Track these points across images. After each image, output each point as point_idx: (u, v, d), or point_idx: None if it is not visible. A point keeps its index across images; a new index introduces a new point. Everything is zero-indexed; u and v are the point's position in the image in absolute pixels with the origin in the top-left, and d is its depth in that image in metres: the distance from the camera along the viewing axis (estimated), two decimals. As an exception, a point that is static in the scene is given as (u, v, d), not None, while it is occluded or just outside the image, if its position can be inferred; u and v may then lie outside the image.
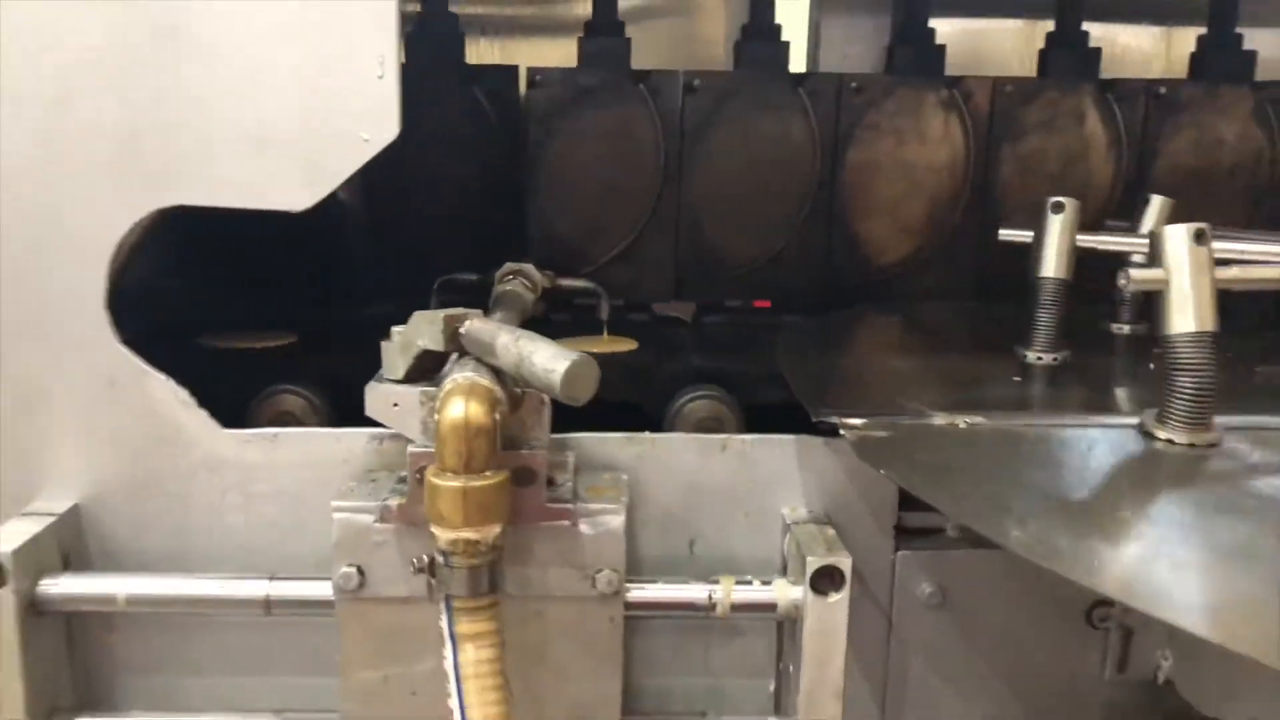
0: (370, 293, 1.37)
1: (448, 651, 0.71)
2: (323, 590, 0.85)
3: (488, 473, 0.71)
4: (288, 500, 0.90)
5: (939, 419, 0.83)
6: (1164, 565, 0.63)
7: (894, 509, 0.92)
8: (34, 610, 0.84)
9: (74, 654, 0.90)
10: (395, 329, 0.83)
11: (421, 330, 0.80)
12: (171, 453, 0.89)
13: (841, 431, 0.81)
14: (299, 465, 0.90)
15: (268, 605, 0.85)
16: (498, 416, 0.72)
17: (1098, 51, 1.43)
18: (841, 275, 1.37)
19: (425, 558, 0.73)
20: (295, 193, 0.85)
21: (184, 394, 0.89)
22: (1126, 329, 1.25)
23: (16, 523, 0.86)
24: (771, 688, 0.94)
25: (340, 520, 0.81)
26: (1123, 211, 1.30)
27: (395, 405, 0.81)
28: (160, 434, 0.89)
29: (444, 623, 0.72)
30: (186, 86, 0.84)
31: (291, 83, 0.84)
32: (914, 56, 1.38)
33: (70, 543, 0.88)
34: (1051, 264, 1.06)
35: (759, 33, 1.37)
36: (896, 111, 1.33)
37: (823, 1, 1.59)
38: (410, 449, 0.79)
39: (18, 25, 0.82)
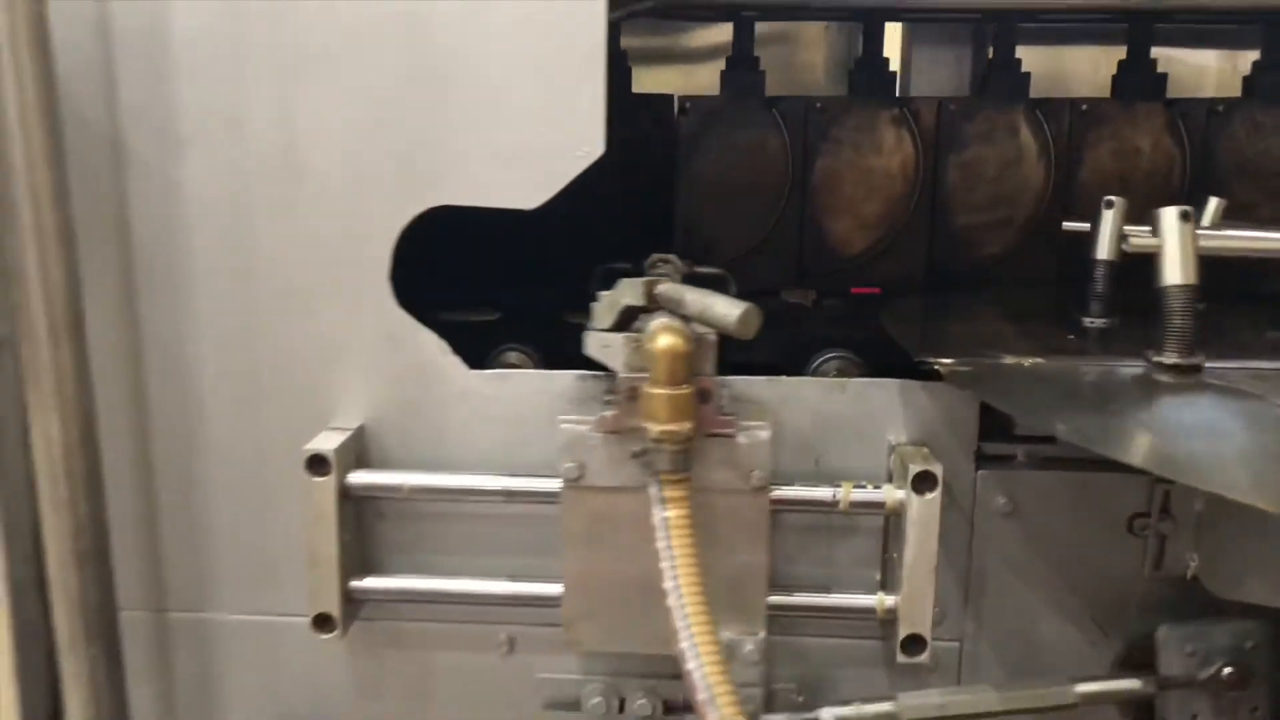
0: (540, 279, 1.69)
1: (655, 511, 1.01)
2: (544, 484, 1.16)
3: (684, 386, 1.01)
4: (515, 422, 1.21)
5: (1008, 359, 1.11)
6: (1166, 439, 0.91)
7: (975, 437, 1.19)
8: (343, 495, 1.16)
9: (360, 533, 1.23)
10: (603, 293, 1.13)
11: (626, 292, 1.10)
12: (433, 387, 1.21)
13: (935, 366, 1.09)
14: (523, 396, 1.21)
15: (508, 494, 1.17)
16: (689, 348, 1.01)
17: (1163, 76, 1.67)
18: (941, 265, 1.64)
19: (639, 447, 1.04)
20: (527, 195, 1.16)
21: (444, 344, 1.21)
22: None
23: (326, 434, 1.19)
24: (878, 576, 1.22)
25: (565, 429, 1.12)
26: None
27: (606, 346, 1.11)
28: (425, 373, 1.21)
29: (653, 491, 1.02)
30: (452, 115, 1.16)
31: (527, 112, 1.15)
32: (1001, 81, 1.63)
33: (359, 450, 1.21)
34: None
35: (870, 63, 1.65)
36: (984, 128, 1.60)
37: (913, 35, 1.87)
38: (619, 376, 1.09)
39: (335, 71, 1.15)
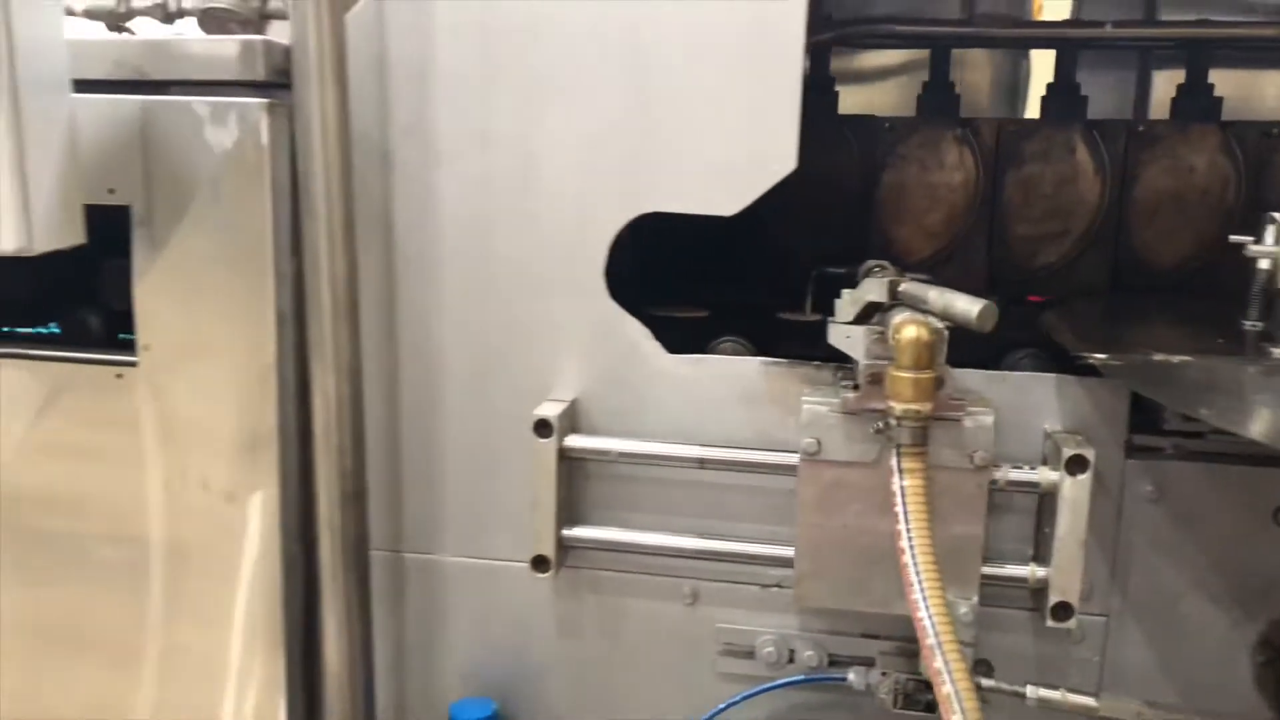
0: (749, 281, 1.88)
1: (894, 480, 1.16)
2: (732, 454, 1.34)
3: (926, 371, 1.16)
4: (707, 400, 1.39)
5: (1158, 356, 1.23)
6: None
7: (1125, 429, 1.31)
8: (562, 456, 1.37)
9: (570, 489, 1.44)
10: (846, 291, 1.29)
11: (870, 288, 1.26)
12: (637, 367, 1.40)
13: (1091, 361, 1.22)
14: (715, 378, 1.39)
15: (701, 462, 1.35)
16: (933, 338, 1.17)
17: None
18: (1120, 276, 1.75)
19: (881, 423, 1.20)
20: (726, 203, 1.35)
21: (646, 331, 1.40)
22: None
23: (547, 404, 1.40)
24: (1030, 552, 1.35)
25: (807, 408, 1.29)
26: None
27: (848, 337, 1.27)
28: (630, 355, 1.40)
29: (893, 463, 1.17)
30: (664, 132, 1.35)
31: (730, 129, 1.33)
32: (1194, 105, 1.74)
33: (574, 418, 1.41)
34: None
35: (1062, 88, 1.79)
36: (1171, 150, 1.71)
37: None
38: (861, 364, 1.25)
39: (568, 94, 1.36)
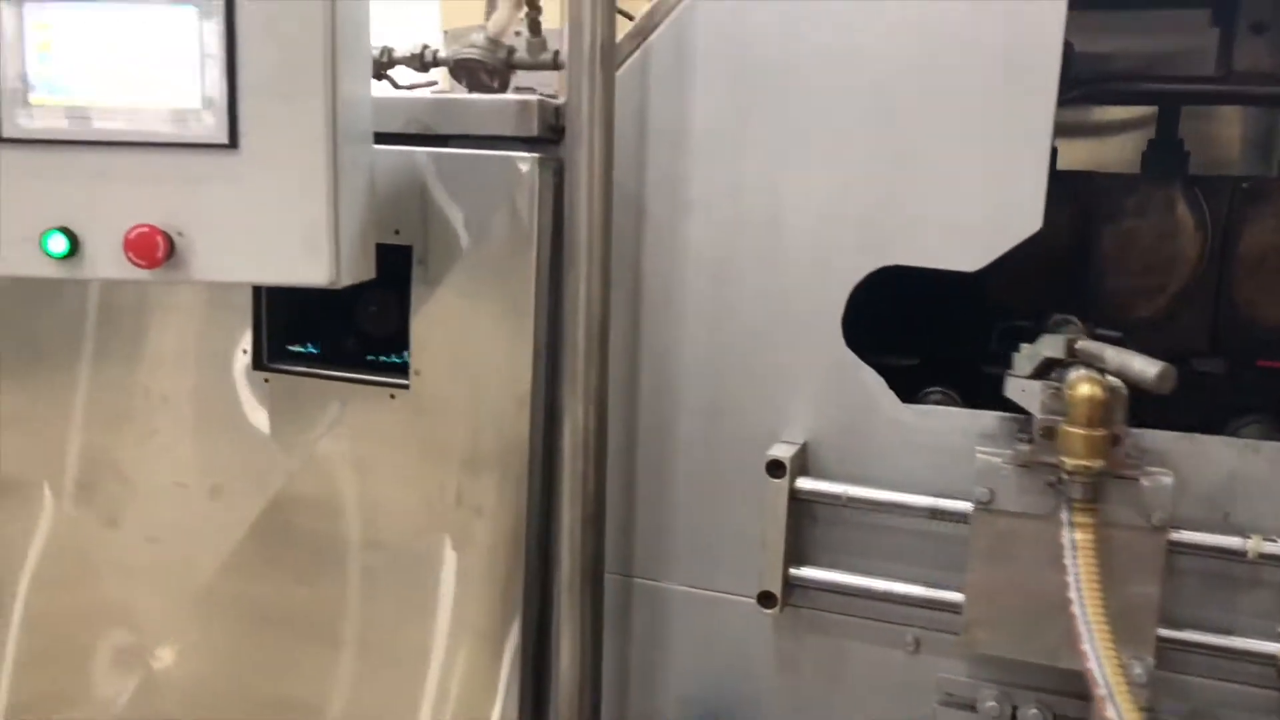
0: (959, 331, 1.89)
1: (1065, 533, 1.18)
2: (963, 506, 1.36)
3: (1099, 429, 1.17)
4: (940, 451, 1.41)
5: None
6: None
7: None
8: (792, 496, 1.43)
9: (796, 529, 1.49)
10: (1024, 345, 1.32)
11: (1047, 345, 1.28)
12: (870, 415, 1.44)
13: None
14: (945, 429, 1.41)
15: (933, 512, 1.38)
16: (1106, 396, 1.18)
17: None
18: None
19: (1054, 477, 1.21)
20: (970, 259, 1.38)
21: (881, 380, 1.44)
22: None
23: (779, 446, 1.46)
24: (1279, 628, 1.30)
25: (981, 459, 1.31)
26: None
27: (1023, 390, 1.29)
28: (864, 403, 1.45)
29: (1064, 516, 1.18)
30: (908, 188, 1.39)
31: (976, 187, 1.36)
32: None
33: (803, 462, 1.47)
34: None
35: None
36: None
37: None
38: (1036, 418, 1.27)
39: (814, 150, 1.43)
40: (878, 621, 1.47)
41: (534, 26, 2.59)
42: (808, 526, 1.49)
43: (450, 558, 1.63)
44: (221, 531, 1.73)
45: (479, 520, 1.60)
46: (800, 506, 1.46)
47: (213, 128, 1.31)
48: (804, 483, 1.44)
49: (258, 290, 1.66)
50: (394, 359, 1.69)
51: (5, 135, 1.32)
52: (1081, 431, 1.20)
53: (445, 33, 5.43)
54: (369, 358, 1.72)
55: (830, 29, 1.40)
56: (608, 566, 1.57)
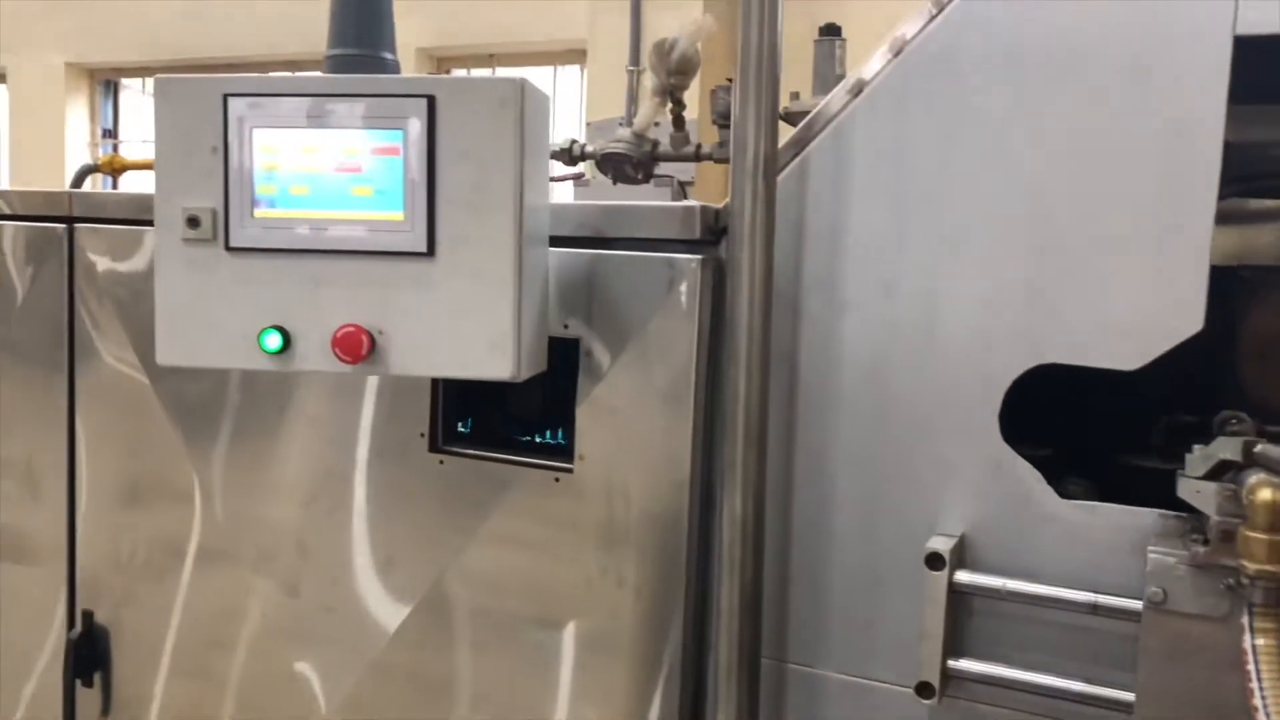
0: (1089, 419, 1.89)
1: (1246, 638, 1.18)
2: (1125, 603, 1.36)
3: None
4: (1099, 546, 1.43)
5: None
6: None
7: None
8: (950, 588, 1.46)
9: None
10: (1197, 446, 1.33)
11: (1223, 447, 1.29)
12: (1026, 508, 1.47)
13: None
14: (1108, 526, 1.43)
15: (1094, 608, 1.39)
16: None
17: None
18: None
19: (1231, 580, 1.22)
20: (1128, 359, 1.40)
21: (1038, 475, 1.47)
22: None
23: (937, 539, 1.49)
24: None
25: (1154, 558, 1.33)
26: None
27: (1198, 492, 1.30)
28: (1020, 497, 1.47)
29: (1245, 620, 1.19)
30: (1069, 288, 1.43)
31: (1136, 287, 1.39)
32: None
33: (960, 554, 1.50)
34: None
35: None
36: None
37: None
38: (1213, 519, 1.28)
39: (973, 250, 1.48)
40: (1035, 715, 1.47)
41: (678, 122, 2.73)
42: (963, 618, 1.51)
43: (610, 638, 1.70)
44: (393, 604, 1.85)
45: (638, 602, 1.67)
46: (957, 599, 1.49)
47: (413, 238, 1.45)
48: (962, 575, 1.47)
49: (435, 380, 1.79)
50: (548, 439, 1.80)
51: (233, 244, 1.49)
52: (1264, 537, 1.20)
53: (588, 125, 5.70)
54: (520, 437, 1.82)
55: (987, 136, 1.46)
56: (762, 651, 1.62)
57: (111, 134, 9.94)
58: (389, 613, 1.86)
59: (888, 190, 1.52)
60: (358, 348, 1.46)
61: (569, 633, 1.73)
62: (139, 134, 9.95)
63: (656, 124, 2.58)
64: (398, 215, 1.45)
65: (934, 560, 1.45)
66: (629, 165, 2.64)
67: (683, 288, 1.60)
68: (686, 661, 1.66)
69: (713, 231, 1.63)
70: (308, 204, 1.47)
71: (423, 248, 1.45)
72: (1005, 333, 1.47)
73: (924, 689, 1.47)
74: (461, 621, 1.81)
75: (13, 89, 9.77)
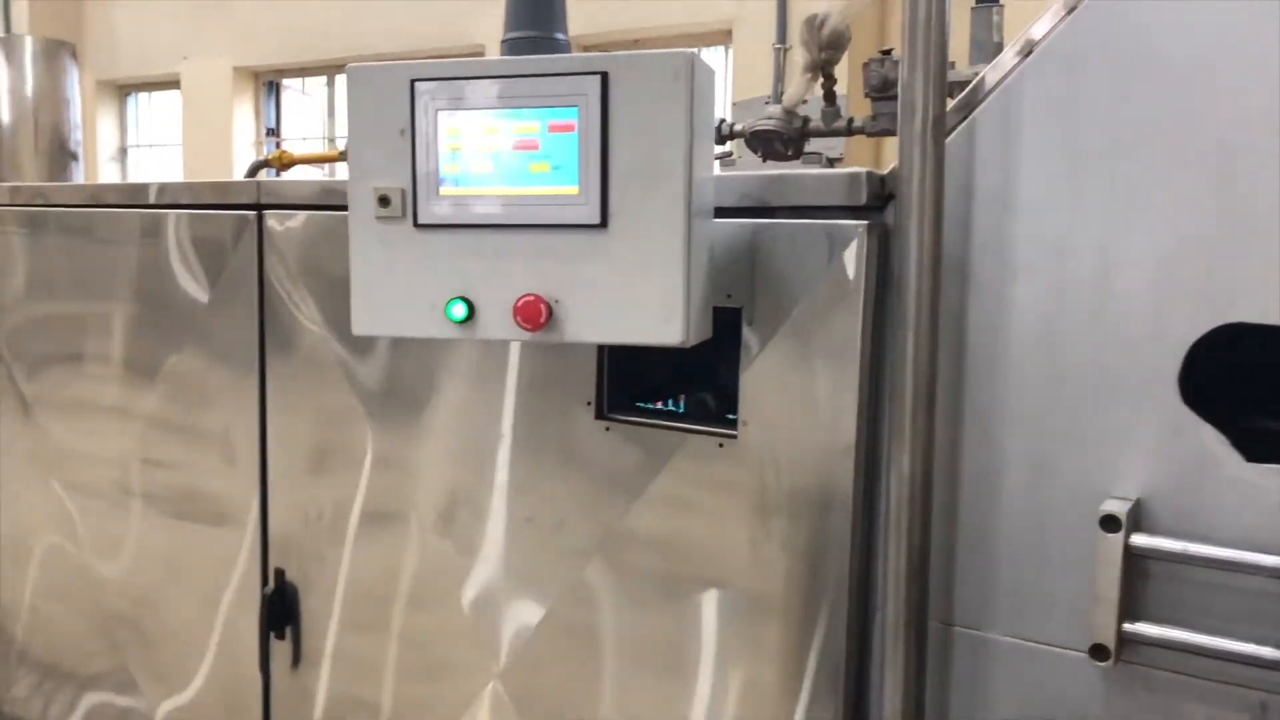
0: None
1: None
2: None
3: None
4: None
5: None
6: None
7: None
8: (1126, 551, 1.44)
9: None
10: None
11: None
12: (1208, 472, 1.44)
13: None
14: (1297, 491, 1.39)
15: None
16: None
17: None
18: None
19: None
20: (1320, 317, 1.36)
21: (1223, 439, 1.43)
22: None
23: (1112, 501, 1.47)
24: None
25: None
26: None
27: None
28: (1202, 460, 1.44)
29: None
30: (1255, 244, 1.39)
31: (1324, 248, 1.35)
32: None
33: (1136, 518, 1.48)
34: None
35: None
36: None
37: None
38: None
39: (1151, 209, 1.45)
40: (1219, 683, 1.44)
41: (829, 97, 2.73)
42: (1138, 582, 1.49)
43: (775, 599, 1.74)
44: (564, 563, 1.94)
45: (802, 564, 1.71)
46: (1133, 562, 1.47)
47: (588, 211, 1.51)
48: (1139, 539, 1.45)
49: (601, 349, 1.86)
50: (708, 406, 1.84)
51: (420, 221, 1.59)
52: None
53: (734, 104, 5.74)
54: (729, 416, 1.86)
55: (1165, 95, 1.43)
56: (929, 614, 1.64)
57: (274, 132, 10.51)
58: (560, 571, 1.95)
59: (1060, 149, 1.50)
60: (537, 316, 1.54)
61: (730, 592, 1.77)
62: (298, 132, 10.49)
63: (805, 100, 2.59)
64: (573, 190, 1.52)
65: (1109, 522, 1.44)
66: (779, 142, 2.66)
67: (847, 254, 1.62)
68: (852, 626, 1.69)
69: (878, 197, 1.64)
70: (489, 181, 1.56)
71: (597, 220, 1.51)
72: (1185, 293, 1.44)
73: (1098, 651, 1.46)
74: (626, 580, 1.88)
75: (185, 92, 10.45)
